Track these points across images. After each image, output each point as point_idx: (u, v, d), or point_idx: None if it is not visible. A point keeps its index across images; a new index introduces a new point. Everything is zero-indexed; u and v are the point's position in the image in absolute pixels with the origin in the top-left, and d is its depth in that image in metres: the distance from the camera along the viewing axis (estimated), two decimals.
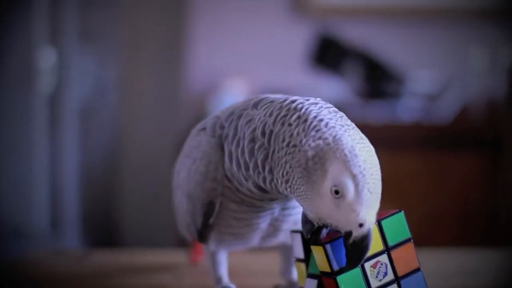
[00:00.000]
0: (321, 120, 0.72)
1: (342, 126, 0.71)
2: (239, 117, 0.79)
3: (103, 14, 2.91)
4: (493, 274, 1.11)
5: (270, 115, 0.75)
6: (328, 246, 0.75)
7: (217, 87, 2.87)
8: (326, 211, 0.72)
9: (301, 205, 0.75)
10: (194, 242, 1.01)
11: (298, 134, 0.72)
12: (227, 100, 2.75)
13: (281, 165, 0.72)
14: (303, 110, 0.73)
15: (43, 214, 2.74)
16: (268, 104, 0.77)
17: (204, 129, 0.84)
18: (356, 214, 0.70)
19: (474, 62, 2.91)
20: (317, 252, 0.76)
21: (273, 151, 0.73)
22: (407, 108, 2.62)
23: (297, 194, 0.73)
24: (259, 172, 0.75)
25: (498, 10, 3.03)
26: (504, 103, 2.05)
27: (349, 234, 0.71)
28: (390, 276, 0.77)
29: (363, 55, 2.63)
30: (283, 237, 0.86)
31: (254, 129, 0.75)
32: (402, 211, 0.78)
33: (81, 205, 2.92)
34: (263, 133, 0.74)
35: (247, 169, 0.76)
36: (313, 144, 0.70)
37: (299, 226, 0.81)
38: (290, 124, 0.73)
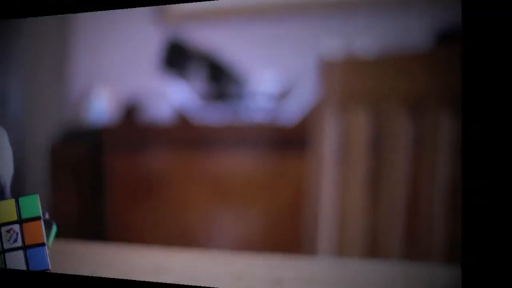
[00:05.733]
0: None
1: None
2: None
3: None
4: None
5: None
6: None
7: (90, 97, 3.15)
8: None
9: None
10: None
11: None
12: (96, 108, 3.11)
13: None
14: None
15: None
16: None
17: None
18: None
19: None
20: None
21: None
22: (250, 109, 2.69)
23: None
24: None
25: (351, 1, 2.92)
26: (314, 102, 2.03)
27: None
28: (19, 243, 0.90)
29: (206, 58, 2.72)
30: None
31: None
32: (37, 194, 0.92)
33: None
34: None
35: None
36: None
37: None
38: None
